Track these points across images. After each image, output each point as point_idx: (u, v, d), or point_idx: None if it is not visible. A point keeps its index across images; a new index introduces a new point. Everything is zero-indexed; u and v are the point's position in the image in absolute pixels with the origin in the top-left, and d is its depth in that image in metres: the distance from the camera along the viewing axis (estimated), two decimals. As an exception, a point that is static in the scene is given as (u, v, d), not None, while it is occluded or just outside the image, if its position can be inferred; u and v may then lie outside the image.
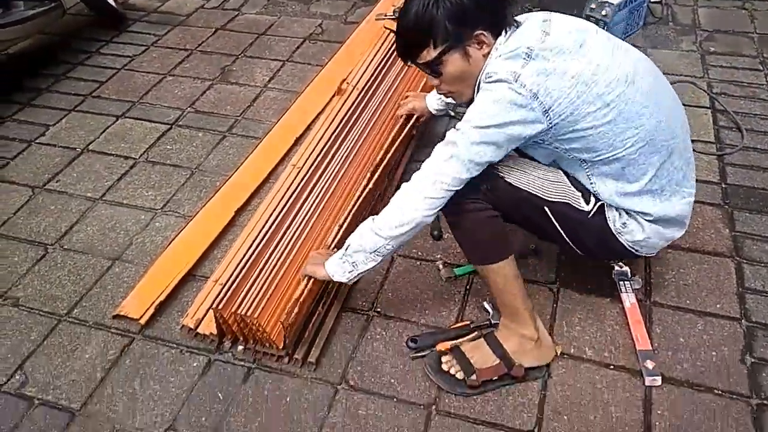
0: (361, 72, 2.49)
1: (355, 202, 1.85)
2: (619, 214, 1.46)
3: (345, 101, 2.32)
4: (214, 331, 1.65)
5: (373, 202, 2.01)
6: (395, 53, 2.42)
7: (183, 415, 1.53)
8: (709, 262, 1.83)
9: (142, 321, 1.72)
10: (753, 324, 1.66)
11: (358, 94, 2.32)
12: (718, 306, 1.71)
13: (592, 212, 1.45)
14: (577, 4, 2.94)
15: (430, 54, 1.36)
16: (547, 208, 1.46)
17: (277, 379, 1.59)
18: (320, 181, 1.96)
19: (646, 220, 1.46)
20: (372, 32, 2.89)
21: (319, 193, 1.91)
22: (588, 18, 2.79)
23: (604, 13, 2.73)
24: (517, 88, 1.27)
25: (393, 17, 2.86)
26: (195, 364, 1.64)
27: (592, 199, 1.46)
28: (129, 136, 2.48)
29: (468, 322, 1.68)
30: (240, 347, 1.65)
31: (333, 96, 2.50)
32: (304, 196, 1.91)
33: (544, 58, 1.28)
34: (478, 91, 1.38)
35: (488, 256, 1.46)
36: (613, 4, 2.69)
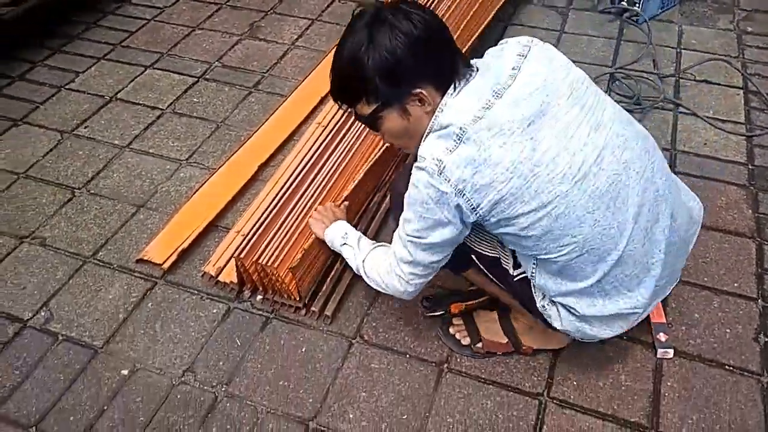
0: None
1: (374, 160, 1.86)
2: (543, 296, 1.33)
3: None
4: (235, 280, 1.69)
5: (397, 161, 2.01)
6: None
7: (201, 358, 1.58)
8: (729, 241, 1.82)
9: (165, 266, 1.76)
10: (770, 305, 1.66)
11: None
12: (735, 285, 1.70)
13: (516, 278, 1.34)
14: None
15: (363, 109, 1.20)
16: (474, 257, 1.37)
17: (294, 330, 1.63)
18: (344, 139, 1.97)
19: (570, 313, 1.30)
20: (402, -5, 2.85)
21: (342, 152, 1.92)
22: (624, -10, 2.73)
23: (641, -15, 2.66)
24: (440, 184, 1.11)
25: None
26: (214, 311, 1.69)
27: (521, 269, 1.33)
28: (157, 87, 2.50)
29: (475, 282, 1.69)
30: (259, 297, 1.69)
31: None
32: (327, 154, 1.93)
33: (478, 142, 1.08)
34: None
35: (455, 268, 1.41)
36: (651, -24, 2.63)
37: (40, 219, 1.96)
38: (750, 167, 2.07)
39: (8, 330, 1.66)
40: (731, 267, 1.75)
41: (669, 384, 1.49)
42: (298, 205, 1.75)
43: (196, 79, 2.54)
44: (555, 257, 1.19)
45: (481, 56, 1.24)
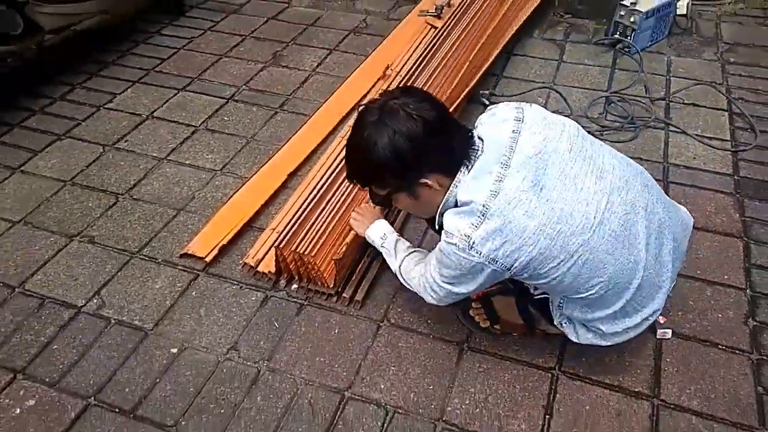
0: (404, 60, 2.71)
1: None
2: (560, 314, 1.47)
3: (389, 85, 2.54)
4: (272, 270, 1.86)
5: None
6: (437, 45, 2.67)
7: (243, 339, 1.73)
8: (720, 241, 2.01)
9: (208, 259, 1.93)
10: (757, 294, 1.83)
11: (401, 80, 2.53)
12: (726, 277, 1.88)
13: (537, 296, 1.52)
14: (606, 12, 3.15)
15: (376, 191, 1.35)
16: None
17: (327, 315, 1.79)
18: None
19: (590, 331, 1.46)
20: (414, 27, 3.11)
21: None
22: (617, 24, 3.00)
23: (632, 20, 2.93)
24: (473, 256, 1.23)
25: (435, 14, 3.10)
26: (253, 298, 1.84)
27: (541, 290, 1.48)
28: (189, 107, 2.71)
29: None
30: (294, 286, 1.86)
31: (377, 80, 2.71)
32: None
33: (502, 216, 1.19)
34: (439, 219, 1.33)
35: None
36: (641, 11, 2.89)
37: (88, 220, 2.13)
38: (736, 178, 2.27)
39: (63, 315, 1.81)
40: (722, 262, 1.93)
41: (668, 360, 1.65)
42: (329, 205, 1.94)
43: (226, 101, 2.75)
44: (585, 295, 1.32)
45: (483, 107, 1.39)
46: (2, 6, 2.52)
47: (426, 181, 1.27)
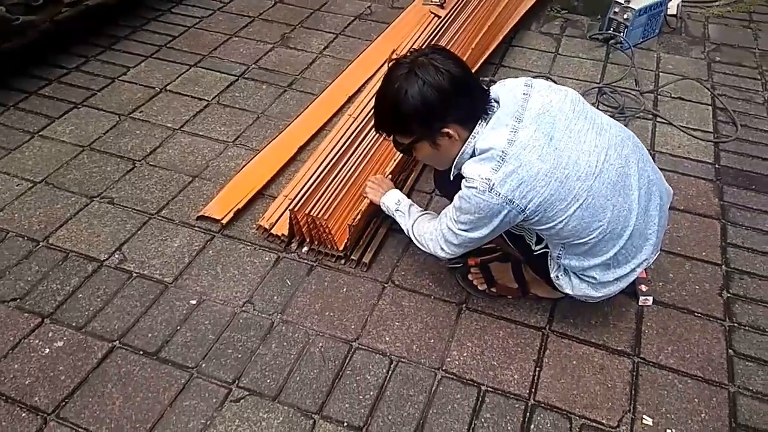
0: (410, 45, 2.84)
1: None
2: (558, 266, 1.61)
3: (395, 68, 2.67)
4: (285, 232, 1.98)
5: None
6: (440, 33, 2.80)
7: (258, 294, 1.86)
8: (699, 221, 2.17)
9: (224, 221, 2.05)
10: (731, 269, 1.99)
11: (407, 63, 2.66)
12: (703, 254, 2.04)
13: (537, 252, 1.63)
14: (600, 9, 3.31)
15: (400, 140, 1.49)
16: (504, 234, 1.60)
17: (335, 275, 1.92)
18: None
19: (584, 282, 1.59)
20: (417, 16, 3.24)
21: (374, 135, 2.25)
22: (611, 21, 3.15)
23: (625, 16, 3.08)
24: (492, 198, 1.36)
25: (439, 4, 3.23)
26: (267, 258, 1.97)
27: (542, 244, 1.61)
28: (201, 82, 2.82)
29: (496, 245, 2.01)
30: (305, 248, 1.99)
31: (384, 63, 2.84)
32: (361, 138, 2.25)
33: (518, 159, 1.34)
34: (455, 171, 1.49)
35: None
36: (634, 9, 3.05)
37: (107, 183, 2.24)
38: (716, 166, 2.44)
39: (87, 267, 1.92)
40: (700, 240, 2.09)
41: (648, 324, 1.81)
42: (340, 174, 2.07)
43: (237, 78, 2.86)
44: (586, 240, 1.46)
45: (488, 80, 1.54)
46: (25, -23, 2.61)
47: (448, 130, 1.41)
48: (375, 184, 1.96)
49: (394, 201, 1.86)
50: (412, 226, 1.75)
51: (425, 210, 1.82)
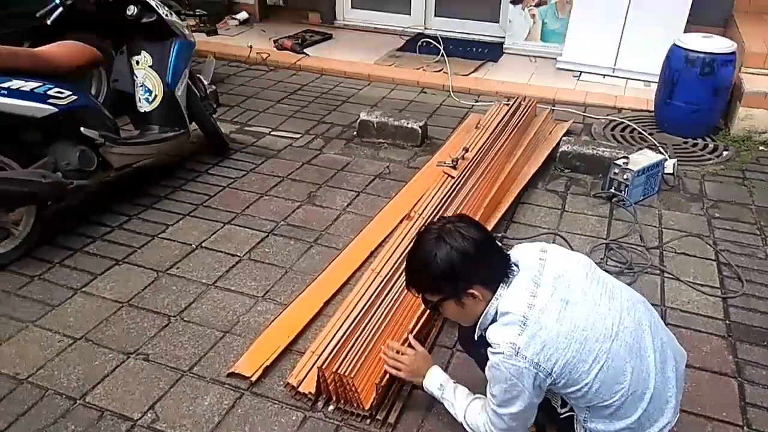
0: (425, 204, 3.08)
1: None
2: (584, 429, 1.64)
3: (413, 225, 2.88)
4: (312, 390, 2.05)
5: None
6: (454, 193, 3.04)
7: (285, 455, 1.89)
8: (715, 380, 2.21)
9: (253, 378, 2.13)
10: (753, 431, 2.01)
11: (424, 220, 2.87)
12: (724, 414, 2.07)
13: (563, 416, 1.68)
14: (601, 169, 3.58)
15: (429, 298, 1.63)
16: None
17: (361, 435, 1.97)
18: (397, 282, 2.44)
19: None
20: (433, 175, 3.53)
21: (397, 291, 2.39)
22: (612, 180, 3.41)
23: (625, 177, 3.34)
24: (519, 362, 1.45)
25: (452, 165, 3.52)
26: (293, 418, 2.03)
27: (567, 407, 1.66)
28: (234, 239, 3.03)
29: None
30: (331, 407, 2.04)
31: (402, 219, 3.06)
32: (385, 293, 2.39)
33: (538, 323, 1.46)
34: (479, 331, 1.61)
35: None
36: (633, 170, 3.31)
37: (143, 339, 2.36)
38: (727, 322, 2.52)
39: (121, 427, 1.99)
40: (719, 400, 2.13)
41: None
42: (367, 328, 2.18)
43: (267, 234, 3.08)
44: (610, 402, 1.52)
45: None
46: (84, 146, 2.93)
47: (473, 291, 1.54)
48: (407, 364, 1.95)
49: (436, 386, 1.90)
50: (464, 415, 1.80)
51: (470, 393, 1.84)
